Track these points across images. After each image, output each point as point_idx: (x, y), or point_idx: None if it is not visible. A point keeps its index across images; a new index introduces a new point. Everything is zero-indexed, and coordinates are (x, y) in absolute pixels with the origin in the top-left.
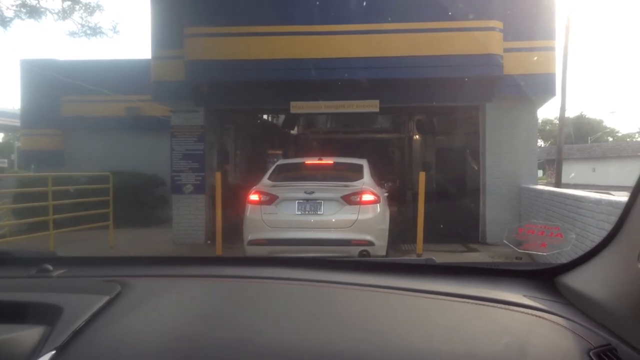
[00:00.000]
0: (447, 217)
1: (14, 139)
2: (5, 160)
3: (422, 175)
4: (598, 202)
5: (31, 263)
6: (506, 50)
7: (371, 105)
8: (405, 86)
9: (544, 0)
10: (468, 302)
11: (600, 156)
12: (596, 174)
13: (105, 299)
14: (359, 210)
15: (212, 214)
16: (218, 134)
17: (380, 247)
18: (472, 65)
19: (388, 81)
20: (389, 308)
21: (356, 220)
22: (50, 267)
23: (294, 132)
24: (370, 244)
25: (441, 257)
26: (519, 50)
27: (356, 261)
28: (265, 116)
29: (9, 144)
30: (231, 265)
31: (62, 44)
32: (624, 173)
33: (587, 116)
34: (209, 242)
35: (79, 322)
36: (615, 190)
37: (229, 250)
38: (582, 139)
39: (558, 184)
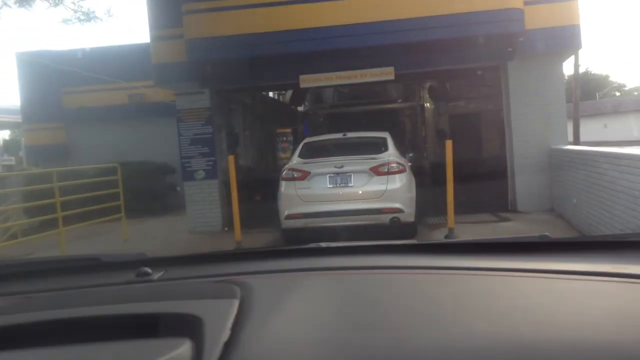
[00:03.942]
0: (472, 186)
1: (21, 135)
2: (13, 158)
3: (448, 144)
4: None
5: (124, 267)
6: (526, 3)
7: (385, 73)
8: (420, 50)
9: None
10: (605, 280)
11: (611, 111)
12: (608, 130)
13: (236, 303)
14: (387, 180)
15: (227, 200)
16: (226, 115)
17: (409, 213)
18: (491, 22)
19: (402, 46)
20: (528, 292)
21: (385, 190)
22: (150, 270)
23: (302, 108)
24: (400, 211)
25: (473, 228)
26: (539, 2)
27: (466, 243)
28: (272, 94)
29: (16, 140)
30: (345, 255)
31: (57, 33)
32: (637, 127)
33: (592, 72)
34: (226, 229)
35: (226, 333)
36: (629, 146)
37: (248, 236)
38: (590, 95)
39: (576, 142)
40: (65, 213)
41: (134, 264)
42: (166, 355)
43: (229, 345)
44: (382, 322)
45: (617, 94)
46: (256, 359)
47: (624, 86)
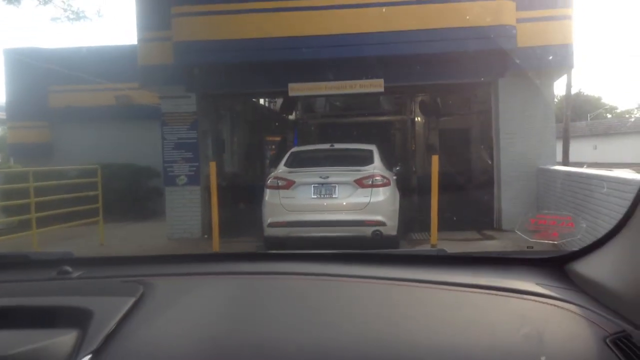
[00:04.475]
0: (458, 203)
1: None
2: None
3: (434, 159)
4: (625, 182)
5: (49, 265)
6: (519, 20)
7: (375, 85)
8: (411, 63)
9: None
10: (483, 293)
11: (601, 133)
12: (597, 151)
13: (132, 300)
14: (371, 193)
15: (209, 207)
16: (212, 121)
17: (391, 227)
18: (483, 38)
19: (392, 58)
20: (407, 301)
21: (369, 202)
22: (70, 269)
23: (293, 117)
24: (382, 224)
25: (456, 246)
26: (533, 20)
27: (369, 254)
28: (262, 101)
29: (3, 138)
30: (249, 261)
31: (46, 31)
32: (626, 150)
33: (585, 93)
34: (205, 236)
35: (110, 326)
36: (616, 168)
37: (227, 245)
38: (582, 116)
39: (566, 162)
40: (39, 214)
41: (59, 262)
42: (46, 342)
43: (110, 337)
44: (262, 322)
45: (609, 116)
46: (134, 350)
47: (616, 108)
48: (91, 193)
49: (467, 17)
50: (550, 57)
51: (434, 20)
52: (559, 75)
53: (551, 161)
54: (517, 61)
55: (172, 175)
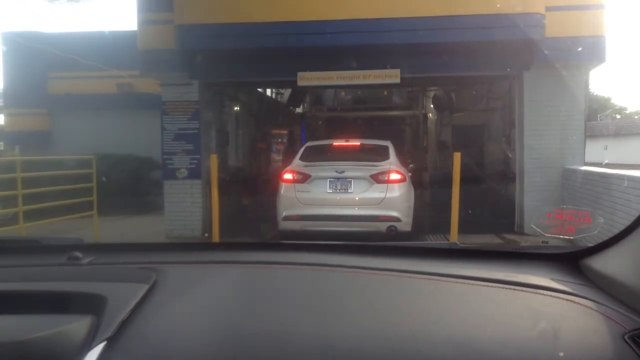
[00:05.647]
0: (475, 204)
1: None
2: (1, 143)
3: (457, 157)
4: None
5: (59, 250)
6: (548, 9)
7: (391, 76)
8: (430, 52)
9: None
10: (497, 287)
11: (612, 134)
12: (608, 152)
13: (145, 287)
14: (386, 189)
15: (210, 203)
16: (216, 111)
17: (406, 223)
18: (509, 27)
19: (410, 47)
20: (420, 293)
21: (384, 197)
22: (81, 255)
23: (300, 110)
24: (397, 220)
25: None
26: (563, 8)
27: (382, 246)
28: (269, 92)
29: (2, 125)
30: (262, 251)
31: (45, 15)
32: (638, 150)
33: (595, 93)
34: (206, 234)
35: (125, 312)
36: (627, 169)
37: None
38: (591, 116)
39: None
40: (27, 207)
41: (70, 248)
42: (61, 327)
43: (125, 323)
44: (276, 311)
45: (618, 116)
46: (148, 337)
47: (625, 109)
48: (85, 185)
49: (492, 4)
50: (581, 49)
51: (456, 6)
52: (590, 69)
53: (579, 161)
54: (545, 52)
55: (171, 167)
